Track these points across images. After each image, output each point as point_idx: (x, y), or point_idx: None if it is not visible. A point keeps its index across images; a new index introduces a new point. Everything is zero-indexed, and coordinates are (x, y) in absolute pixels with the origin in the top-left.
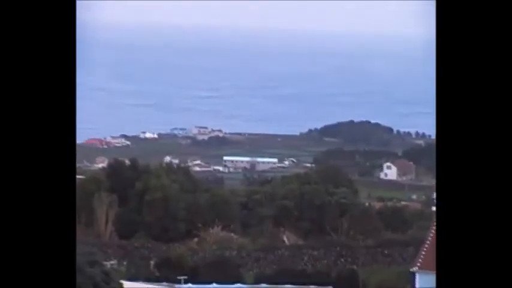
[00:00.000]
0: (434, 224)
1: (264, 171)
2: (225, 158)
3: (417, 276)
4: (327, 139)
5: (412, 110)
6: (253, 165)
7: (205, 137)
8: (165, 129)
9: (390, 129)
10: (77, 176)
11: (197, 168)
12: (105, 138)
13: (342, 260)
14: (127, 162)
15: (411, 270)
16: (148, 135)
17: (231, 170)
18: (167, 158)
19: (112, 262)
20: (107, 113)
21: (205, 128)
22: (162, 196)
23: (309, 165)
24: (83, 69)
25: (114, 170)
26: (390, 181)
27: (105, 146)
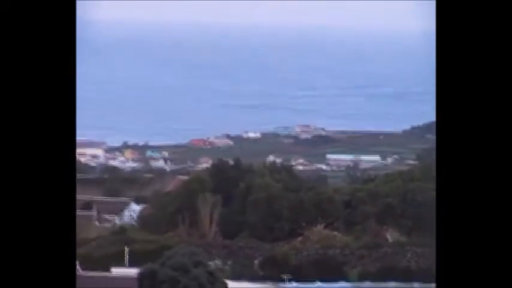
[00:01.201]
0: None
1: (367, 169)
2: (328, 156)
3: None
4: (429, 136)
5: None
6: (356, 163)
7: (308, 136)
8: (268, 129)
9: None
10: (182, 177)
11: (300, 167)
12: (208, 138)
13: None
14: (230, 162)
15: None
16: (251, 134)
17: (334, 168)
18: (270, 157)
19: (216, 262)
20: (210, 114)
21: (308, 126)
22: (265, 195)
23: (412, 162)
24: (183, 70)
25: (218, 170)
26: None
27: (209, 146)
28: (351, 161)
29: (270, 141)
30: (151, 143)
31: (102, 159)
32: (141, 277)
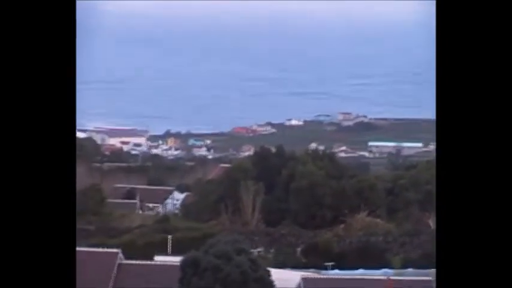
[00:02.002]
0: None
1: (409, 155)
2: (370, 143)
3: None
4: None
5: None
6: (398, 150)
7: (351, 123)
8: (310, 116)
9: None
10: (224, 165)
11: (343, 154)
12: (251, 127)
13: None
14: (273, 149)
15: None
16: (293, 122)
17: (377, 155)
18: (313, 145)
19: (259, 250)
20: (253, 102)
21: (350, 113)
22: (308, 183)
23: None
24: (225, 57)
25: (261, 157)
26: None
27: (251, 134)
28: (393, 147)
29: (313, 128)
30: (194, 131)
31: (145, 148)
32: (184, 265)
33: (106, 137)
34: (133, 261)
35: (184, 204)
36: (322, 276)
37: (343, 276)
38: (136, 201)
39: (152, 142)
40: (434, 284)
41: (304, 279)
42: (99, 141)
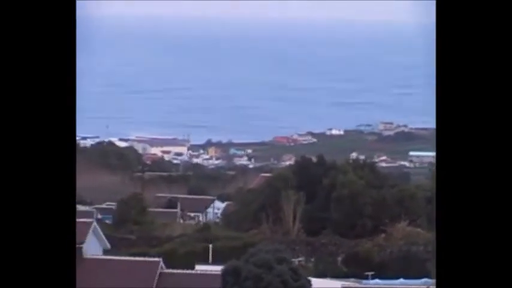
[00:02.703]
0: None
1: None
2: (411, 153)
3: None
4: None
5: None
6: None
7: (391, 133)
8: (351, 126)
9: None
10: (265, 174)
11: (383, 164)
12: (292, 136)
13: None
14: (314, 159)
15: None
16: (334, 131)
17: (417, 165)
18: (353, 154)
19: (300, 259)
20: (294, 111)
21: (391, 123)
22: (349, 192)
23: None
24: (262, 65)
25: (301, 167)
26: None
27: (292, 144)
28: (434, 157)
29: (353, 138)
30: (235, 141)
31: (186, 157)
32: (225, 274)
33: (147, 146)
34: (175, 270)
35: (225, 214)
36: (362, 286)
37: (383, 286)
38: (178, 210)
39: (193, 151)
40: None
41: None
42: (140, 151)
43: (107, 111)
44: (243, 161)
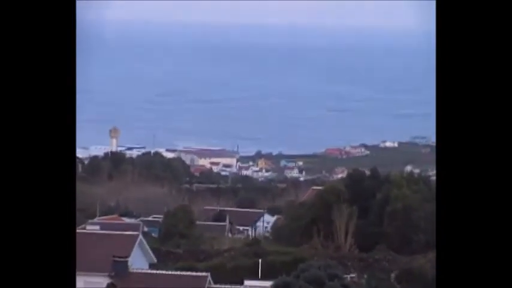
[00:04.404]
0: None
1: None
2: None
3: None
4: None
5: None
6: None
7: None
8: (405, 138)
9: None
10: (316, 187)
11: None
12: (344, 148)
13: None
14: (367, 172)
15: None
16: (388, 144)
17: None
18: (408, 167)
19: (352, 275)
20: (347, 123)
21: None
22: (403, 206)
23: None
24: (311, 75)
25: (354, 180)
26: None
27: (345, 156)
28: None
29: (408, 150)
30: (286, 152)
31: (234, 169)
32: None
33: (195, 157)
34: (223, 286)
35: (275, 227)
36: None
37: None
38: (226, 223)
39: (242, 163)
40: None
41: None
42: (188, 162)
43: (155, 120)
44: (294, 173)
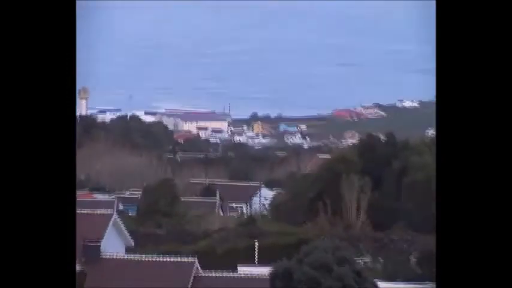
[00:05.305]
0: None
1: None
2: None
3: None
4: None
5: None
6: None
7: None
8: (428, 96)
9: None
10: (323, 156)
11: None
12: (355, 109)
13: None
14: (382, 137)
15: None
16: (407, 103)
17: None
18: (430, 131)
19: (365, 259)
20: (358, 79)
21: None
22: (424, 177)
23: None
24: (321, 29)
25: (367, 146)
26: None
27: (355, 118)
28: None
29: (430, 111)
30: (286, 115)
31: (226, 135)
32: (273, 277)
33: (180, 121)
34: (213, 273)
35: (274, 204)
36: None
37: None
38: (216, 199)
39: (235, 128)
40: None
41: None
42: (171, 127)
43: (132, 78)
44: (296, 139)
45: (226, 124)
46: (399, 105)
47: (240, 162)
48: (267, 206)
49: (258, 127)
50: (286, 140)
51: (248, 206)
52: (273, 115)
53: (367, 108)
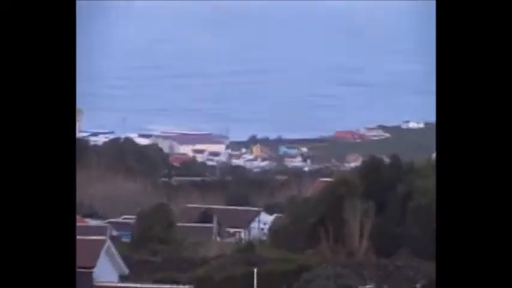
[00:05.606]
0: None
1: None
2: None
3: None
4: None
5: None
6: None
7: None
8: (433, 118)
9: None
10: (324, 179)
11: None
12: (358, 130)
13: None
14: (386, 159)
15: None
16: (412, 125)
17: None
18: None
19: (369, 286)
20: (360, 100)
21: None
22: (429, 201)
23: None
24: (321, 47)
25: (370, 169)
26: None
27: (358, 140)
28: None
29: (435, 133)
30: (286, 137)
31: (224, 158)
32: None
33: (175, 144)
34: None
35: (273, 229)
36: None
37: None
38: (214, 225)
39: (233, 150)
40: None
41: None
42: (166, 150)
43: (127, 99)
44: (297, 162)
45: (223, 147)
46: (404, 126)
47: (238, 187)
48: (266, 231)
49: (257, 150)
50: (286, 163)
51: (247, 232)
52: (272, 137)
53: (370, 129)
